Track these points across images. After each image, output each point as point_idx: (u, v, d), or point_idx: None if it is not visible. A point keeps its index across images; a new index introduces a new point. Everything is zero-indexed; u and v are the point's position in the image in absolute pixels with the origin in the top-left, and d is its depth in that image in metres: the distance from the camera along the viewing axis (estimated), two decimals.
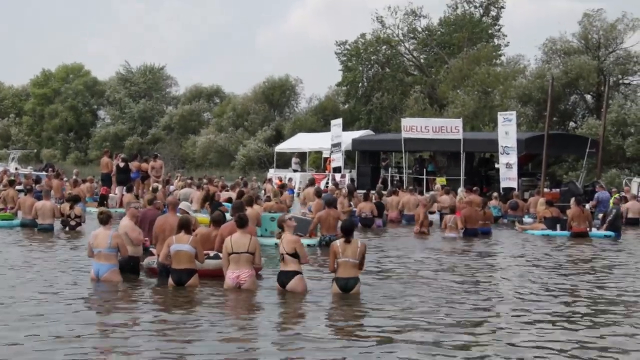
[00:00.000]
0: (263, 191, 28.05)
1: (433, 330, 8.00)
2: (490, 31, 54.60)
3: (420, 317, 8.63)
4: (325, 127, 43.07)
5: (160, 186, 22.51)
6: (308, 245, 14.51)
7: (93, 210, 21.09)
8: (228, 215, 13.87)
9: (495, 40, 54.42)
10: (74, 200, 17.99)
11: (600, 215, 20.51)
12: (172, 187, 25.79)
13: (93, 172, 33.78)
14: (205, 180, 25.66)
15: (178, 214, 11.89)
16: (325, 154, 37.89)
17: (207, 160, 58.06)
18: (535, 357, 7.11)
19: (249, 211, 13.14)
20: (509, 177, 26.77)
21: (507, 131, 27.09)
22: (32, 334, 7.53)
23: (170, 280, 10.18)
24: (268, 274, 11.10)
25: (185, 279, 10.11)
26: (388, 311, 8.95)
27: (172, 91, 72.44)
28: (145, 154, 40.55)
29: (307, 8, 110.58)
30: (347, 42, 55.35)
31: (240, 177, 36.93)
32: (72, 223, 17.46)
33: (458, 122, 30.06)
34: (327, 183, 31.50)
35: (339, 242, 9.96)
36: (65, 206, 17.87)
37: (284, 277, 9.94)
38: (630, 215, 22.15)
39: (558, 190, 26.76)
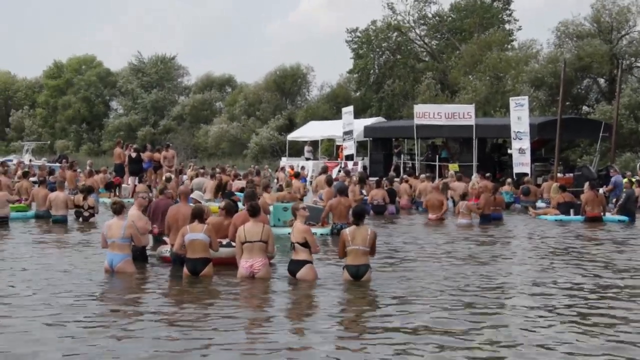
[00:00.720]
0: (276, 180, 28.10)
1: (445, 318, 8.00)
2: (501, 16, 54.25)
3: (433, 305, 8.63)
4: (337, 114, 43.02)
5: (173, 176, 22.61)
6: (320, 235, 14.55)
7: (107, 200, 21.26)
8: (241, 205, 13.89)
9: (507, 25, 54.10)
10: (88, 191, 18.07)
11: (614, 200, 20.41)
12: (184, 177, 25.87)
13: (106, 163, 33.83)
14: (218, 170, 25.73)
15: (190, 204, 11.95)
16: (337, 142, 37.87)
17: (220, 149, 58.15)
18: (544, 346, 7.10)
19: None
20: (522, 162, 26.67)
21: (520, 116, 26.97)
22: (48, 323, 7.61)
23: (185, 270, 10.23)
24: (282, 262, 11.13)
25: (200, 267, 10.15)
26: (400, 298, 8.97)
27: (183, 81, 72.66)
28: (157, 144, 40.63)
29: None
30: (357, 30, 55.29)
31: (252, 165, 37.03)
32: (86, 214, 17.56)
33: (470, 108, 29.94)
34: (339, 170, 31.49)
35: (348, 230, 10.02)
36: (79, 197, 17.95)
37: (294, 266, 10.01)
38: None
39: (571, 175, 26.66)
